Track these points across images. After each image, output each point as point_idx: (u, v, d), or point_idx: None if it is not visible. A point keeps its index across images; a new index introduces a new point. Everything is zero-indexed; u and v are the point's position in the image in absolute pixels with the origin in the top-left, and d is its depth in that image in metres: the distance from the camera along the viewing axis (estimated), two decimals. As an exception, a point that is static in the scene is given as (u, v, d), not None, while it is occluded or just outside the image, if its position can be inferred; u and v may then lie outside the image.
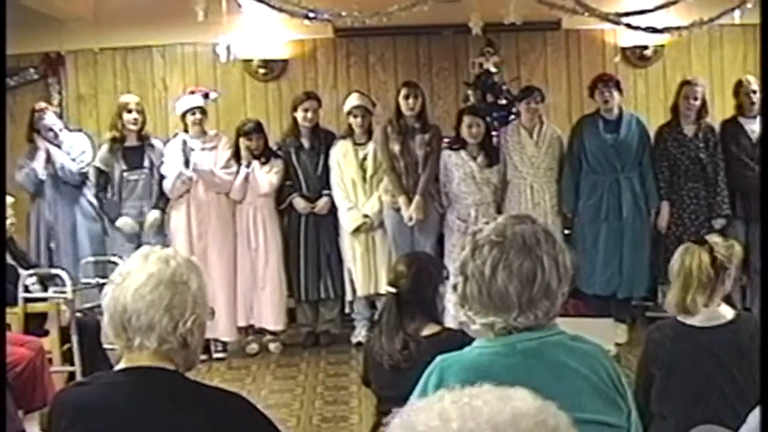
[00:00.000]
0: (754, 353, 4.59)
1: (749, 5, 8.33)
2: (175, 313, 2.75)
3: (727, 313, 4.59)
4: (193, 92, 9.17)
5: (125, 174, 8.94)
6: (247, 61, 10.75)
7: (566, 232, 9.04)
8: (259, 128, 9.09)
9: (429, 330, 4.48)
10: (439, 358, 2.67)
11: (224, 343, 9.06)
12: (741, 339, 4.53)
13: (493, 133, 9.19)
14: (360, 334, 9.02)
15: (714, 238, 4.79)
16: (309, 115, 9.12)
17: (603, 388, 2.64)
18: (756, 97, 8.96)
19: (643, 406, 4.58)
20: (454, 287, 2.68)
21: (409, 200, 8.81)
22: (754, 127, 8.94)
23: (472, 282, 2.62)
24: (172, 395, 2.77)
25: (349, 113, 9.13)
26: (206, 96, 9.20)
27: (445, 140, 9.05)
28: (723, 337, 4.49)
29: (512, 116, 9.47)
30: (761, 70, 3.07)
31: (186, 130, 9.04)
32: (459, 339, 3.73)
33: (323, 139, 9.23)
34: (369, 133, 9.12)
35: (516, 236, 2.60)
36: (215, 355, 8.97)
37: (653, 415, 4.61)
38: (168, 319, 2.74)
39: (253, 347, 9.20)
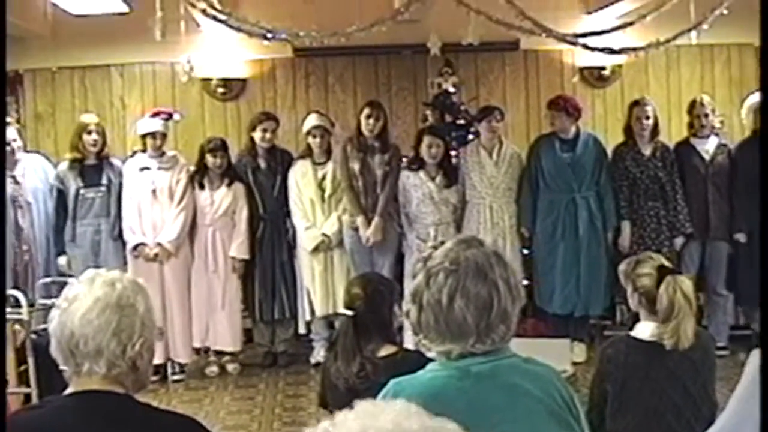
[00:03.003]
0: (708, 368, 4.63)
1: (705, 26, 8.39)
2: (123, 337, 2.73)
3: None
4: (156, 114, 9.09)
5: (82, 191, 8.86)
6: (206, 80, 10.74)
7: (525, 251, 9.08)
8: (224, 146, 9.06)
9: (385, 351, 4.47)
10: (392, 381, 2.66)
11: (182, 365, 9.01)
12: (696, 355, 4.55)
13: (452, 153, 9.22)
14: (319, 354, 8.99)
15: (660, 259, 4.83)
16: (267, 135, 9.11)
17: (556, 409, 2.64)
18: (707, 120, 9.03)
19: (597, 422, 4.61)
20: (407, 314, 2.67)
21: (368, 220, 8.82)
22: (706, 147, 9.01)
23: (428, 311, 2.60)
24: (121, 419, 2.74)
25: (308, 133, 9.11)
26: (170, 117, 9.14)
27: (404, 160, 9.06)
28: (677, 353, 4.51)
29: (471, 136, 9.52)
30: (761, 70, 3.10)
31: (144, 150, 8.99)
32: (415, 360, 3.71)
33: (280, 159, 9.21)
34: (328, 153, 9.12)
35: (469, 262, 2.59)
36: (173, 378, 8.91)
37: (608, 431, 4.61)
38: (116, 343, 2.72)
39: (213, 369, 9.15)
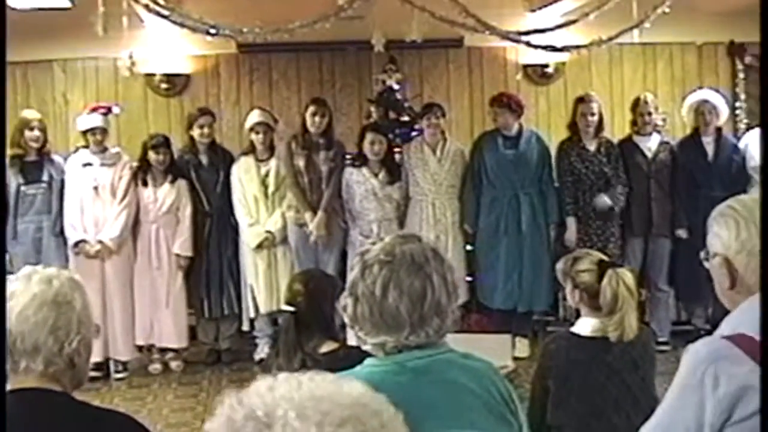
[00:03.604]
0: (647, 363, 4.67)
1: (647, 25, 8.46)
2: (60, 334, 2.71)
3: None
4: (95, 109, 9.01)
5: (23, 188, 8.76)
6: (149, 76, 10.67)
7: (468, 248, 9.12)
8: (166, 142, 9.00)
9: (327, 347, 4.47)
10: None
11: (125, 363, 8.94)
12: (635, 350, 4.59)
13: (396, 149, 9.24)
14: (262, 351, 8.98)
15: (597, 254, 4.86)
16: (205, 131, 9.07)
17: (494, 404, 2.66)
18: (650, 118, 9.11)
19: (539, 418, 4.64)
20: (344, 308, 2.68)
21: (314, 216, 8.81)
22: (649, 145, 9.09)
23: (363, 302, 2.62)
24: (59, 417, 2.72)
25: (251, 129, 9.08)
26: (109, 111, 9.06)
27: (348, 157, 9.06)
28: (617, 349, 4.54)
29: (415, 133, 9.53)
30: (761, 72, 3.12)
31: (87, 146, 8.92)
32: (357, 356, 3.71)
33: (222, 156, 9.18)
34: (271, 150, 9.10)
35: (405, 255, 2.61)
36: (116, 375, 8.85)
37: (550, 427, 4.64)
38: (53, 340, 2.70)
39: (156, 366, 9.10)
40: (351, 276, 2.67)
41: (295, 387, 1.50)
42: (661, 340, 8.65)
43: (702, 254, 2.91)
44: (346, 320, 2.70)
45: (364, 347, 2.71)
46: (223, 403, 1.53)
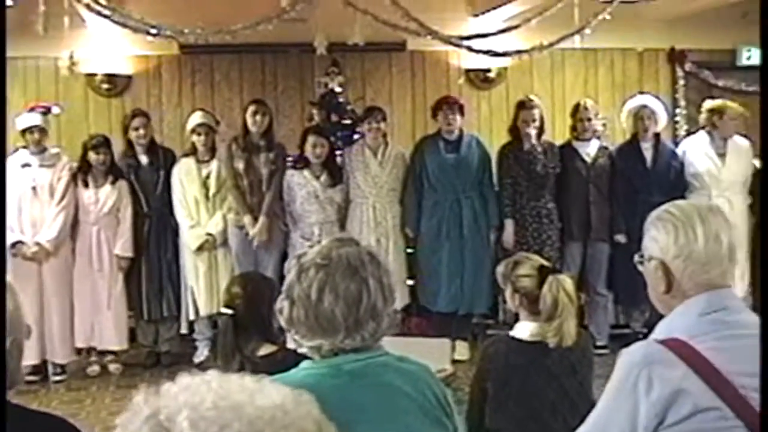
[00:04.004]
0: (585, 367, 4.70)
1: (588, 31, 8.53)
2: None
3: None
4: (33, 108, 8.92)
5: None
6: (90, 76, 10.58)
7: (409, 251, 9.13)
8: (107, 143, 8.92)
9: (265, 350, 4.46)
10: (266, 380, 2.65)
11: (62, 366, 8.86)
12: (574, 355, 4.62)
13: (338, 152, 9.24)
14: (202, 354, 8.93)
15: (537, 259, 4.88)
16: (141, 132, 9.01)
17: (429, 407, 2.67)
18: (589, 123, 9.17)
19: (477, 421, 4.66)
20: (281, 311, 2.68)
21: (254, 218, 8.79)
22: (588, 150, 9.15)
23: (299, 305, 2.62)
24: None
25: (192, 131, 9.03)
26: (48, 110, 8.97)
27: (289, 159, 9.04)
28: (556, 353, 4.56)
29: (356, 136, 9.54)
30: (761, 72, 3.15)
31: (26, 146, 8.82)
32: (295, 359, 3.71)
33: (162, 156, 9.12)
34: (212, 151, 9.06)
35: (341, 258, 2.61)
36: (54, 378, 8.75)
37: (488, 430, 4.65)
38: None
39: (94, 369, 9.01)
40: (287, 279, 2.68)
41: (203, 393, 1.48)
42: (599, 343, 8.71)
43: (636, 257, 2.93)
44: (282, 323, 2.70)
45: (300, 350, 2.71)
46: (134, 399, 1.52)
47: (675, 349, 2.65)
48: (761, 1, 3.40)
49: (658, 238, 2.84)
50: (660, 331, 2.82)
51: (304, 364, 2.69)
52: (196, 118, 9.10)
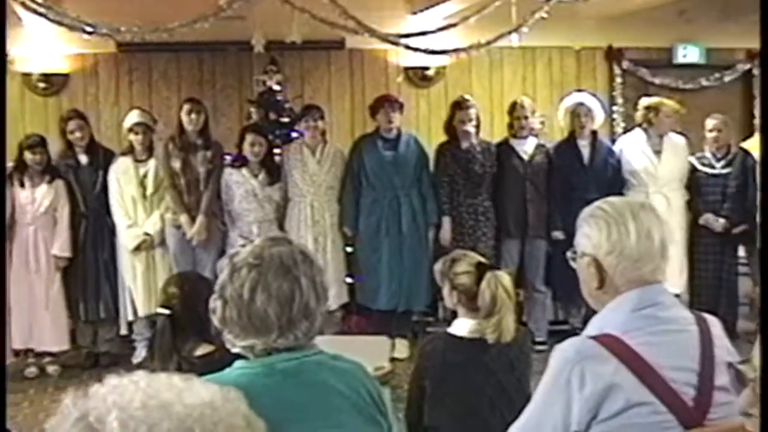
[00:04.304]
0: (523, 364, 4.72)
1: (525, 29, 8.57)
2: None
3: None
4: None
5: None
6: (26, 75, 10.48)
7: (348, 249, 9.13)
8: (43, 142, 8.82)
9: (203, 350, 4.43)
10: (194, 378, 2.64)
11: (-1, 368, 8.76)
12: (512, 351, 4.63)
13: (276, 150, 9.21)
14: (140, 355, 8.86)
15: (475, 256, 4.90)
16: (77, 134, 8.91)
17: (363, 405, 2.68)
18: (526, 122, 9.20)
19: (416, 417, 4.67)
20: (213, 311, 2.67)
21: (191, 218, 8.75)
22: (525, 148, 9.19)
23: (231, 305, 2.62)
24: None
25: (129, 130, 8.96)
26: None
27: (228, 157, 9.00)
28: (494, 349, 4.57)
29: (295, 134, 9.52)
30: (761, 72, 3.15)
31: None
32: (231, 358, 3.70)
33: (102, 156, 9.04)
34: (150, 150, 8.98)
35: (273, 258, 2.61)
36: (-10, 380, 8.67)
37: (426, 427, 4.66)
38: None
39: (32, 370, 8.90)
40: (220, 279, 2.67)
41: (131, 393, 1.48)
42: (538, 339, 8.76)
43: (569, 254, 2.96)
44: (216, 323, 2.69)
45: (234, 350, 2.70)
46: (63, 402, 1.51)
47: (607, 345, 2.68)
48: (761, 3, 3.40)
49: (591, 235, 2.86)
50: (593, 327, 2.85)
51: (238, 363, 2.68)
52: (133, 116, 9.03)
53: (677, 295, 8.93)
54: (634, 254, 2.79)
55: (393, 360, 7.87)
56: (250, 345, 2.63)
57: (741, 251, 9.51)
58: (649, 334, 2.72)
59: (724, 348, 2.82)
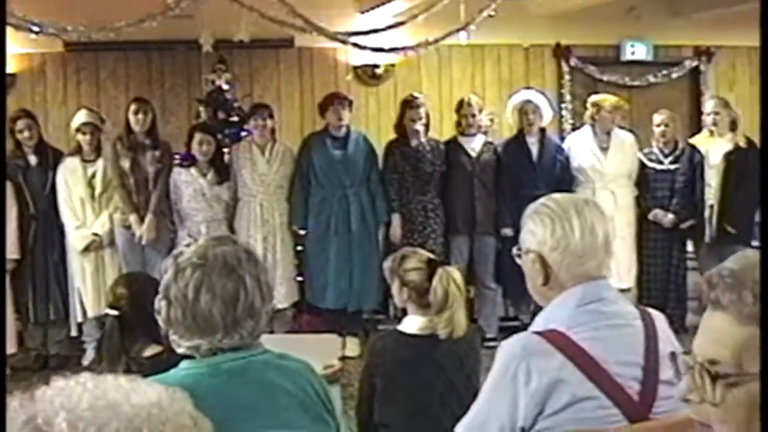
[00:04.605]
0: (473, 361, 4.73)
1: (473, 27, 8.60)
2: None
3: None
4: None
5: None
6: (-29, 75, 10.39)
7: (299, 248, 9.11)
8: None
9: (151, 351, 4.40)
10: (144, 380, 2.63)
11: (-54, 370, 8.68)
12: (461, 348, 4.65)
13: (225, 149, 9.18)
14: (91, 357, 8.81)
15: (424, 253, 4.91)
16: (26, 134, 8.82)
17: (310, 404, 2.68)
18: (474, 119, 9.23)
19: (366, 415, 4.67)
20: (158, 311, 2.66)
21: (141, 218, 8.70)
22: (473, 145, 9.21)
23: (176, 305, 2.61)
24: None
25: (77, 130, 8.88)
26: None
27: (177, 157, 8.96)
28: (444, 346, 4.59)
29: (244, 133, 9.48)
30: (761, 72, 3.16)
31: None
32: (179, 358, 3.69)
33: (51, 157, 8.97)
34: (98, 150, 8.92)
35: (217, 257, 2.61)
36: (-63, 383, 8.58)
37: (377, 425, 4.66)
38: None
39: (-21, 374, 8.85)
40: (164, 279, 2.66)
41: (78, 394, 1.47)
42: (489, 336, 8.82)
43: (514, 250, 2.98)
44: (161, 323, 2.68)
45: (179, 350, 2.69)
46: (11, 405, 1.50)
47: (553, 340, 2.70)
48: (761, 2, 3.41)
49: (536, 231, 2.89)
50: (538, 322, 2.87)
51: (183, 364, 2.68)
52: (81, 116, 8.96)
53: (626, 290, 9.03)
54: (578, 250, 2.82)
55: (344, 358, 7.88)
56: (196, 345, 2.63)
57: (689, 246, 9.60)
58: (594, 329, 2.74)
59: (668, 342, 2.85)
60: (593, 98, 9.59)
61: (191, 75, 10.84)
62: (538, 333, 2.76)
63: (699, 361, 1.71)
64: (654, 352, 2.78)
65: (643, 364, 2.74)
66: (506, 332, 8.99)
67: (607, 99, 9.50)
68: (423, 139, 9.09)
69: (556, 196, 2.98)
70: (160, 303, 2.66)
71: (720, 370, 1.68)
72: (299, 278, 9.14)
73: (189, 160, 8.79)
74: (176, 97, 10.89)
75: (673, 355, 1.81)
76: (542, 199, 2.95)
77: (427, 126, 9.13)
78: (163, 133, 9.28)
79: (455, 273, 4.67)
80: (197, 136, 8.75)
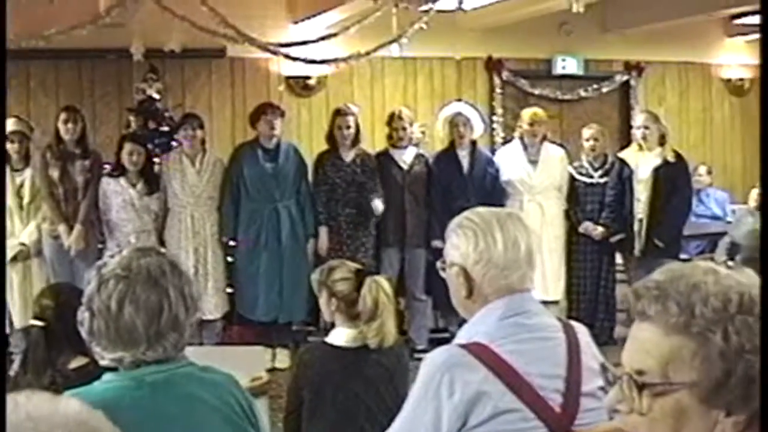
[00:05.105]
0: (400, 373, 4.74)
1: (405, 40, 8.64)
2: None
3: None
4: None
5: None
6: None
7: (229, 260, 9.07)
8: None
9: (77, 362, 4.37)
10: (66, 393, 2.60)
11: None
12: (389, 359, 4.65)
13: (155, 159, 9.12)
14: (16, 368, 8.70)
15: (352, 264, 4.91)
16: None
17: (233, 417, 2.67)
18: (405, 132, 9.24)
19: (294, 427, 4.66)
20: (81, 323, 2.64)
21: (69, 228, 8.62)
22: (405, 157, 9.23)
23: (99, 317, 2.59)
24: None
25: (5, 138, 8.80)
26: None
27: (107, 166, 8.89)
28: (372, 358, 4.59)
29: (174, 143, 9.42)
30: (761, 72, 3.16)
31: None
32: (104, 371, 3.67)
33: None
34: (26, 159, 8.82)
35: (141, 269, 2.59)
36: None
37: (306, 437, 4.66)
38: None
39: None
40: (87, 290, 2.64)
41: (12, 409, 1.46)
42: (419, 347, 8.83)
43: (439, 264, 3.00)
44: (84, 335, 2.66)
45: (102, 362, 2.67)
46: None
47: (476, 353, 2.71)
48: (761, 2, 3.43)
49: (459, 245, 2.91)
50: (462, 335, 2.89)
51: (106, 376, 2.66)
52: (10, 125, 8.85)
53: (555, 303, 9.10)
54: (500, 263, 2.84)
55: (274, 370, 7.90)
56: (119, 357, 2.61)
57: (619, 259, 9.70)
58: (517, 341, 2.77)
59: (591, 354, 2.88)
60: (523, 112, 9.67)
61: (122, 84, 10.75)
62: (462, 346, 2.78)
63: (626, 372, 1.74)
64: (577, 364, 2.80)
65: (566, 377, 2.77)
66: (436, 344, 8.90)
67: (536, 113, 9.57)
68: (353, 150, 9.09)
69: (480, 209, 3.01)
70: (83, 314, 2.63)
71: (647, 380, 1.71)
72: (230, 290, 9.09)
73: (118, 170, 8.71)
74: (107, 106, 10.79)
75: (603, 367, 1.84)
76: (466, 213, 2.98)
77: (357, 136, 9.13)
78: (94, 143, 9.21)
79: (384, 282, 4.68)
80: (127, 146, 8.68)
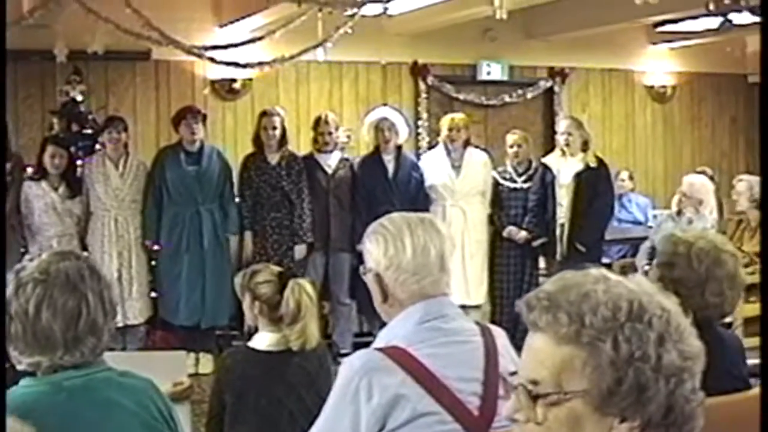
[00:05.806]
0: (323, 377, 4.75)
1: (330, 44, 8.65)
2: None
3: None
4: None
5: None
6: None
7: (153, 263, 9.01)
8: None
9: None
10: None
11: None
12: (311, 364, 4.66)
13: (78, 162, 9.02)
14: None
15: (275, 268, 4.91)
16: None
17: (152, 423, 2.67)
18: (330, 137, 9.26)
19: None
20: None
21: (-10, 232, 8.52)
22: (330, 162, 9.24)
23: (16, 321, 2.57)
24: None
25: None
26: None
27: (28, 170, 8.79)
28: (294, 361, 4.59)
29: (98, 146, 9.33)
30: (761, 72, 3.15)
31: None
32: (22, 375, 3.64)
33: None
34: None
35: (60, 273, 2.58)
36: None
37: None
38: None
39: None
40: (5, 294, 2.62)
41: None
42: (343, 351, 8.84)
43: (361, 268, 3.04)
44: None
45: (20, 367, 2.66)
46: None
47: (394, 357, 2.74)
48: (761, 2, 3.45)
49: (372, 251, 2.95)
50: (381, 339, 2.92)
51: (24, 381, 2.64)
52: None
53: (477, 307, 9.17)
54: (410, 268, 2.89)
55: (197, 375, 7.86)
56: (36, 362, 2.60)
57: (542, 263, 9.80)
58: (434, 345, 2.80)
59: (509, 358, 2.91)
60: (446, 117, 9.72)
61: (46, 86, 10.62)
62: (380, 349, 2.81)
63: (521, 382, 1.77)
64: (494, 368, 2.84)
65: (483, 380, 2.80)
66: (360, 347, 9.00)
67: (459, 117, 9.63)
68: (278, 153, 9.08)
69: (394, 215, 3.05)
70: None
71: (541, 390, 1.74)
72: (154, 294, 9.03)
73: (40, 173, 8.62)
74: (30, 108, 10.64)
75: (512, 375, 1.87)
76: (381, 219, 3.03)
77: (283, 138, 9.11)
78: (16, 145, 9.10)
79: (307, 284, 4.68)
80: (49, 149, 8.59)
